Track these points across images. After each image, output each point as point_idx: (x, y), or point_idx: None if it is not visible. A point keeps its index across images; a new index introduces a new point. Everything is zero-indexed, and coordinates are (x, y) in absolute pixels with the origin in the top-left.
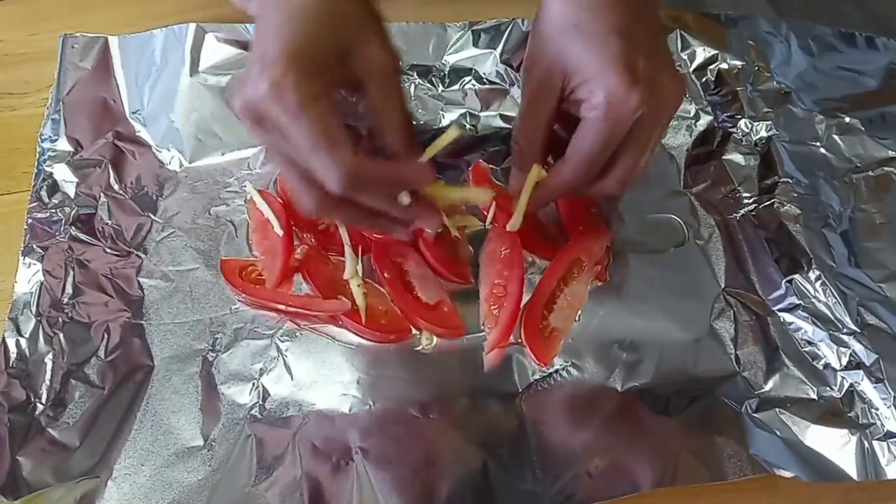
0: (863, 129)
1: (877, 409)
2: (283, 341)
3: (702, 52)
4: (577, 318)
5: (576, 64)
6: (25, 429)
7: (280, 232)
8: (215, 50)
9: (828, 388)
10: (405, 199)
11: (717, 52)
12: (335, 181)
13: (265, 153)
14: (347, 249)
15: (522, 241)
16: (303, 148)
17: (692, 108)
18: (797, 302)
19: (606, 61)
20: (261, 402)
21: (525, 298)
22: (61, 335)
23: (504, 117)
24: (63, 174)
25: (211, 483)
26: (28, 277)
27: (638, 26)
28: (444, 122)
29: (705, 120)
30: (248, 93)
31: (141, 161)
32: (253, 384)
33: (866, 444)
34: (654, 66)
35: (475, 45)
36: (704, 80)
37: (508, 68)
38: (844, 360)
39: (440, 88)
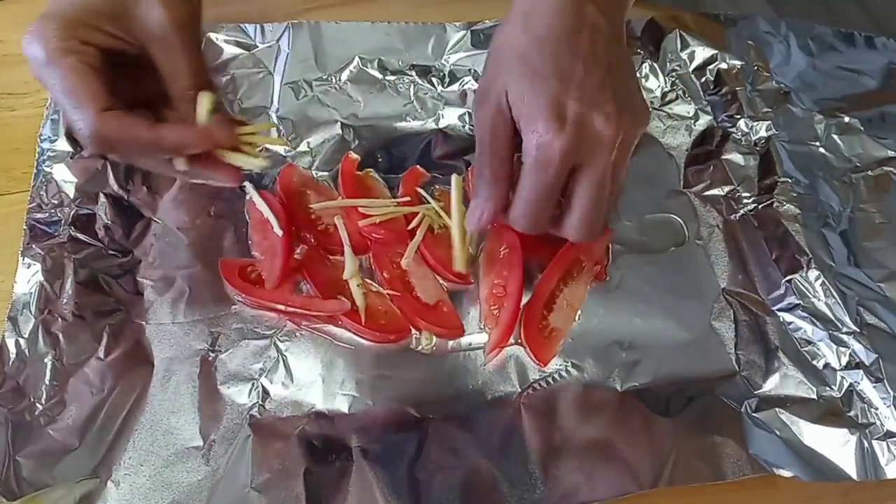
0: (862, 128)
1: (876, 408)
2: (282, 341)
3: (701, 52)
4: (576, 319)
5: (514, 98)
6: (25, 429)
7: (280, 232)
8: (215, 50)
9: (827, 388)
10: (180, 165)
11: (716, 51)
12: (82, 138)
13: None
14: (347, 249)
15: (522, 241)
16: (56, 100)
17: (691, 108)
18: (797, 302)
19: (539, 104)
20: (260, 403)
21: (525, 299)
22: (61, 335)
23: None
24: (62, 174)
25: (210, 483)
26: (27, 278)
27: (578, 65)
28: (444, 122)
29: (705, 120)
30: (31, 49)
31: None
32: (253, 384)
33: (866, 444)
34: (590, 107)
35: (474, 45)
36: (704, 79)
37: None
38: (844, 360)
39: (440, 88)
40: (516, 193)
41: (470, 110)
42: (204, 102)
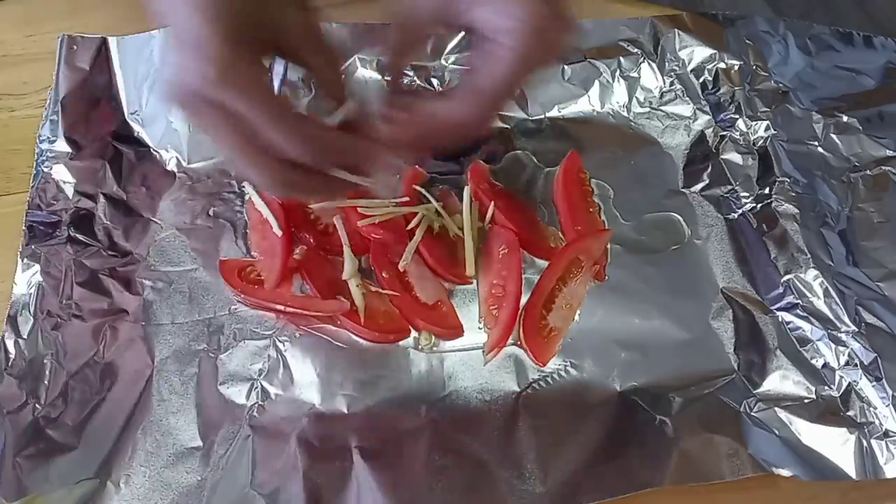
0: (861, 128)
1: (875, 407)
2: (282, 342)
3: (700, 52)
4: (575, 318)
5: None
6: (24, 430)
7: (279, 232)
8: None
9: (826, 388)
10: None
11: (714, 51)
12: (303, 149)
13: (215, 139)
14: (346, 250)
15: (521, 241)
16: (264, 123)
17: (690, 108)
18: (795, 301)
19: None
20: (260, 403)
21: (524, 298)
22: (60, 336)
23: (502, 117)
24: (62, 175)
25: (210, 483)
26: (27, 279)
27: None
28: None
29: (703, 119)
30: (189, 80)
31: (140, 162)
32: (252, 384)
33: (865, 443)
34: None
35: None
36: (702, 79)
37: None
38: (843, 359)
39: (439, 89)
40: (473, 79)
41: None
42: (346, 109)
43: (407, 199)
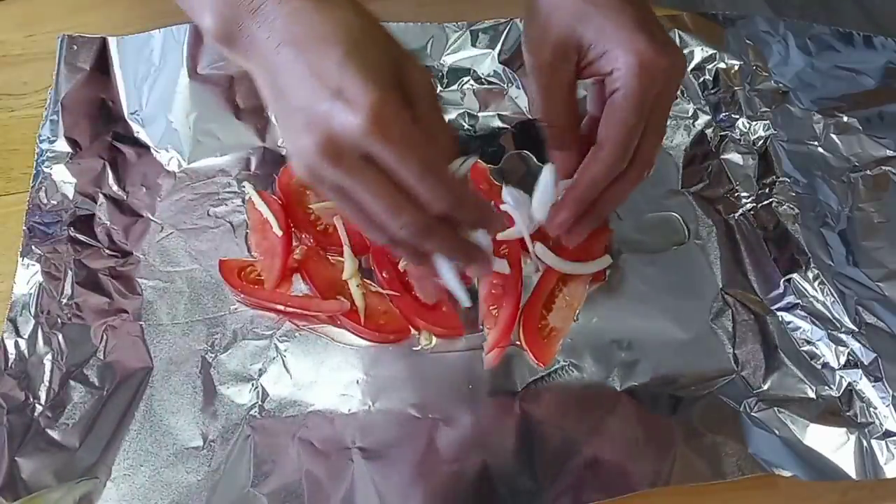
0: (861, 128)
1: (875, 408)
2: (282, 341)
3: (700, 52)
4: (575, 318)
5: (593, 35)
6: (24, 430)
7: (279, 232)
8: (214, 50)
9: (826, 388)
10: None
11: (714, 51)
12: (445, 201)
13: (335, 202)
14: (346, 250)
15: (521, 240)
16: (416, 172)
17: (690, 108)
18: (795, 301)
19: (630, 29)
20: (260, 403)
21: (524, 298)
22: (60, 336)
23: (502, 117)
24: (61, 175)
25: (210, 483)
26: (27, 279)
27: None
28: None
29: (703, 119)
30: (338, 132)
31: (139, 162)
32: (252, 384)
33: (865, 443)
34: (664, 35)
35: (473, 45)
36: (702, 79)
37: (506, 68)
38: (843, 359)
39: (438, 89)
40: (606, 129)
41: (469, 110)
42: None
43: None
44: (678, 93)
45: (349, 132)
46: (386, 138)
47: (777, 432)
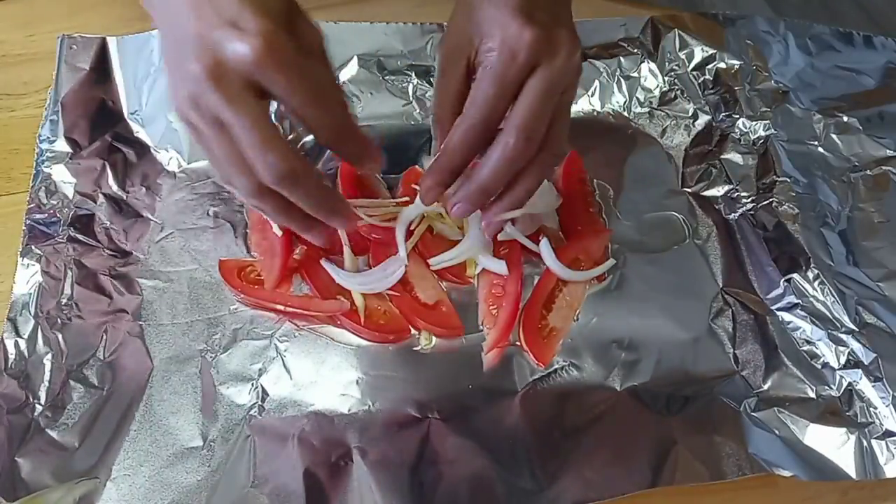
0: (861, 128)
1: (875, 407)
2: (281, 342)
3: (700, 52)
4: (575, 318)
5: (481, 27)
6: (24, 430)
7: (279, 232)
8: None
9: (826, 387)
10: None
11: (715, 51)
12: (331, 130)
13: (203, 142)
14: (346, 250)
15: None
16: (303, 99)
17: (690, 108)
18: (795, 301)
19: (505, 13)
20: (260, 403)
21: (524, 298)
22: (60, 336)
23: None
24: (61, 175)
25: (210, 483)
26: (27, 278)
27: None
28: None
29: (703, 119)
30: (229, 57)
31: (139, 162)
32: (252, 384)
33: (865, 443)
34: (552, 20)
35: None
36: (702, 79)
37: None
38: (843, 359)
39: None
40: (469, 100)
41: None
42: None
43: (407, 199)
44: (677, 93)
45: (239, 57)
46: (276, 66)
47: (777, 432)
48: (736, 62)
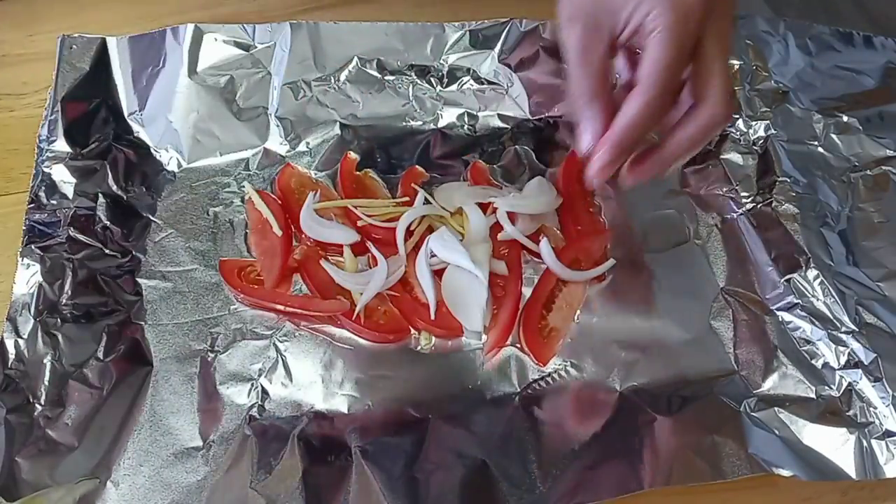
0: (861, 128)
1: (875, 407)
2: (281, 341)
3: None
4: (575, 318)
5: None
6: (24, 430)
7: (279, 232)
8: (213, 50)
9: (826, 387)
10: None
11: None
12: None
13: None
14: (346, 250)
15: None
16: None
17: None
18: (795, 301)
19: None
20: (260, 403)
21: (524, 298)
22: (60, 336)
23: (502, 117)
24: (61, 175)
25: (210, 483)
26: (26, 278)
27: None
28: (443, 122)
29: None
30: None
31: (139, 162)
32: (252, 384)
33: (865, 443)
34: None
35: (473, 45)
36: None
37: (506, 68)
38: (843, 359)
39: (438, 88)
40: (642, 74)
41: (468, 110)
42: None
43: (407, 199)
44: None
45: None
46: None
47: (777, 432)
48: (736, 62)
